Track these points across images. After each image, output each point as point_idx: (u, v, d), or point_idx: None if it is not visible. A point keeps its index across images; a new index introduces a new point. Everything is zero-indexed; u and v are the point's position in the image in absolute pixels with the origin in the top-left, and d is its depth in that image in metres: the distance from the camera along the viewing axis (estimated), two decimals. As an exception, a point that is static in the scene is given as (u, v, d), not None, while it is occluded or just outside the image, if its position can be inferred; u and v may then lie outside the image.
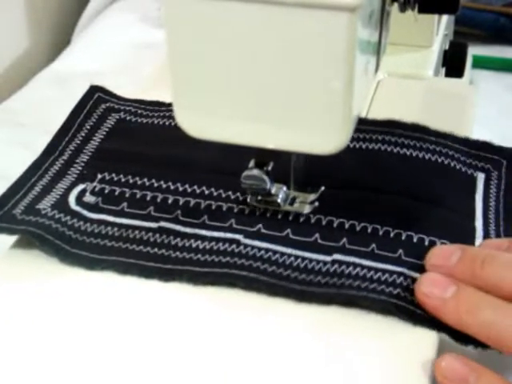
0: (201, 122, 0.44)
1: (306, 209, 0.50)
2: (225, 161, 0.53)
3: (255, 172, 0.48)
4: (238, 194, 0.51)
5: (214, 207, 0.50)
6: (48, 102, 0.77)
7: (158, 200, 0.51)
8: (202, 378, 0.40)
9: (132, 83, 0.75)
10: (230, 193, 0.51)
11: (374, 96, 0.62)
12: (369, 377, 0.41)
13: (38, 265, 0.47)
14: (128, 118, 0.59)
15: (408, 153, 0.54)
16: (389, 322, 0.43)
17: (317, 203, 0.50)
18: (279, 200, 0.49)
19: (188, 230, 0.48)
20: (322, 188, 0.51)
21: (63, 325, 0.43)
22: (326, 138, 0.42)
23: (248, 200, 0.50)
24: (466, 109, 0.61)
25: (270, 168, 0.48)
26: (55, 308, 0.44)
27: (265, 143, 0.44)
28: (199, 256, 0.46)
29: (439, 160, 0.54)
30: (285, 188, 0.50)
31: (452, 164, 0.54)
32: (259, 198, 0.50)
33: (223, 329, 0.43)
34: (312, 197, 0.51)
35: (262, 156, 0.48)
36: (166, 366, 0.41)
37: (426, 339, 0.42)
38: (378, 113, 0.59)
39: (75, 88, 0.78)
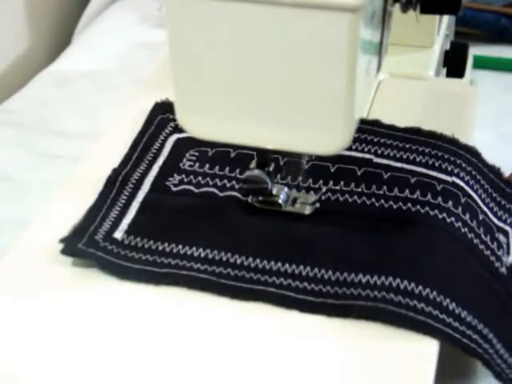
0: (202, 122, 0.44)
1: (307, 210, 0.50)
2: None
3: (256, 172, 0.48)
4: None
5: None
6: (48, 102, 0.77)
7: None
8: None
9: (132, 83, 0.75)
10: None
11: (375, 96, 0.62)
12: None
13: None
14: None
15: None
16: (386, 330, 0.43)
17: (318, 204, 0.50)
18: (280, 201, 0.49)
19: None
20: (324, 189, 0.51)
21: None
22: (328, 138, 0.42)
23: (249, 200, 0.50)
24: (467, 109, 0.61)
25: (271, 169, 0.48)
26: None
27: (266, 144, 0.44)
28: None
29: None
30: (286, 189, 0.50)
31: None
32: (260, 198, 0.50)
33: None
34: (313, 198, 0.51)
35: (264, 156, 0.48)
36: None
37: (426, 348, 0.42)
38: (379, 113, 0.59)
39: (75, 88, 0.79)
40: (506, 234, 0.51)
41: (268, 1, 0.38)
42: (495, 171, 0.55)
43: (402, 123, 0.57)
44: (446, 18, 0.75)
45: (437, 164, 0.53)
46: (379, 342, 0.42)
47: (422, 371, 0.41)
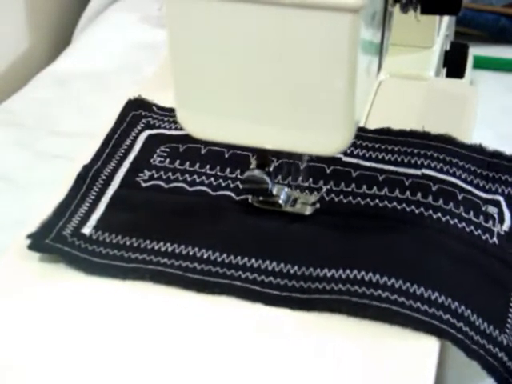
0: (203, 122, 0.44)
1: (308, 210, 0.50)
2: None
3: (256, 173, 0.48)
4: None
5: None
6: (48, 102, 0.77)
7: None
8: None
9: (132, 83, 0.75)
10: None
11: (375, 96, 0.62)
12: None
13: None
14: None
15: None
16: (386, 329, 0.43)
17: (318, 205, 0.50)
18: (281, 201, 0.49)
19: None
20: (324, 189, 0.51)
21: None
22: (329, 139, 0.42)
23: (249, 201, 0.50)
24: (467, 109, 0.61)
25: (271, 169, 0.48)
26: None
27: (267, 144, 0.44)
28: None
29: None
30: (286, 189, 0.50)
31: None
32: (261, 198, 0.50)
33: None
34: (313, 198, 0.51)
35: (264, 157, 0.48)
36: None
37: (426, 346, 0.42)
38: (380, 114, 0.59)
39: (75, 88, 0.79)
40: (497, 203, 0.52)
41: (269, 1, 0.38)
42: (476, 148, 0.56)
43: (402, 123, 0.57)
44: (446, 19, 0.75)
45: (406, 160, 0.54)
46: (379, 341, 0.42)
47: (422, 370, 0.41)
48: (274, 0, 0.38)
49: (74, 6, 1.00)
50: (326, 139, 0.42)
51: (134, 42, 0.88)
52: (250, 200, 0.50)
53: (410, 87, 0.63)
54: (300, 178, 0.52)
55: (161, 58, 0.73)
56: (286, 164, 0.52)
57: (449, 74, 0.72)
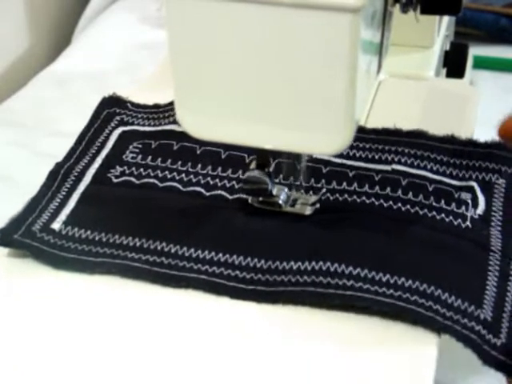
0: (202, 122, 0.44)
1: (308, 210, 0.50)
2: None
3: (256, 173, 0.48)
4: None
5: None
6: (48, 102, 0.77)
7: None
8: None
9: (132, 83, 0.75)
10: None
11: (375, 96, 0.62)
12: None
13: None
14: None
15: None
16: (385, 330, 0.43)
17: (318, 205, 0.50)
18: (280, 201, 0.49)
19: None
20: (324, 189, 0.51)
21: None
22: (329, 139, 0.42)
23: (249, 201, 0.50)
24: (467, 109, 0.61)
25: (271, 169, 0.48)
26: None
27: (267, 144, 0.44)
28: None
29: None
30: (286, 189, 0.50)
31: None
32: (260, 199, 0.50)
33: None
34: (313, 198, 0.51)
35: (264, 157, 0.48)
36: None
37: (426, 346, 0.42)
38: (380, 113, 0.59)
39: (75, 88, 0.79)
40: (471, 189, 0.53)
41: (269, 1, 0.38)
42: (449, 139, 0.56)
43: (402, 123, 0.57)
44: (445, 19, 0.75)
45: (377, 157, 0.55)
46: (378, 341, 0.42)
47: (421, 370, 0.41)
48: (273, 0, 0.38)
49: (74, 5, 1.00)
50: (326, 139, 0.42)
51: (133, 42, 0.88)
52: (249, 200, 0.50)
53: (409, 87, 0.63)
54: (301, 179, 0.52)
55: (160, 58, 0.73)
56: (286, 164, 0.52)
57: (449, 74, 0.72)
